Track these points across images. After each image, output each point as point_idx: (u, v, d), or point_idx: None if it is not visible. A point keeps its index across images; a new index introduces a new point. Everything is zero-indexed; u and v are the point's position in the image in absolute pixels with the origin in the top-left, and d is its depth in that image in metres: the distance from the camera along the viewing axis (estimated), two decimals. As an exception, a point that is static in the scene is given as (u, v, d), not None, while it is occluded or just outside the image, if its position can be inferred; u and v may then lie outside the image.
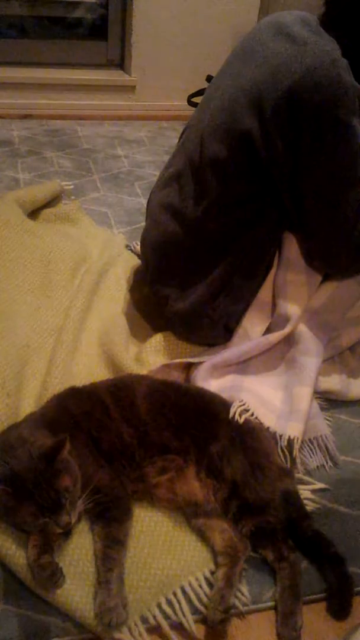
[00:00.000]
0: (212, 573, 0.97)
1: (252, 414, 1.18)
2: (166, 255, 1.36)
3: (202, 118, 1.27)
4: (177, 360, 1.34)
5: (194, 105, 2.72)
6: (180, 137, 1.47)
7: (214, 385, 1.27)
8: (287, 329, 1.28)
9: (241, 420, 1.14)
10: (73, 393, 1.13)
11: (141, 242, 1.48)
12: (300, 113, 1.08)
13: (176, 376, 1.34)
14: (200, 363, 1.31)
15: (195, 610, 0.92)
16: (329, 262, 1.28)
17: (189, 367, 1.34)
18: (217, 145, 1.19)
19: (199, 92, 2.75)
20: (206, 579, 0.96)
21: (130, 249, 1.85)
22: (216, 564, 0.97)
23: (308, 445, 1.22)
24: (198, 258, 1.30)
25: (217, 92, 1.25)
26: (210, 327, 1.34)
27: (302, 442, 1.19)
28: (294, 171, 1.14)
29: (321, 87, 1.05)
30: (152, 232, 1.40)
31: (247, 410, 1.17)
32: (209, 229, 1.26)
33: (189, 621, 0.90)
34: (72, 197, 2.14)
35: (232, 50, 1.29)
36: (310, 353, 1.29)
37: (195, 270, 1.31)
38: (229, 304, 1.31)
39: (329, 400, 1.37)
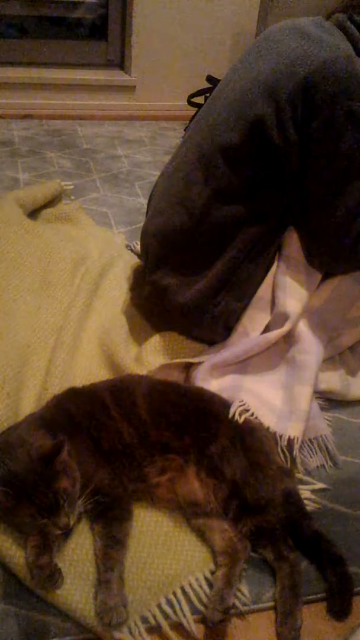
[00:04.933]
0: (212, 573, 0.97)
1: (252, 414, 1.18)
2: (167, 245, 1.35)
3: (212, 111, 1.28)
4: (177, 360, 1.34)
5: (194, 105, 2.72)
6: (185, 133, 1.47)
7: (214, 385, 1.27)
8: (285, 327, 1.28)
9: (241, 420, 1.14)
10: (73, 393, 1.13)
11: (142, 232, 1.48)
12: (314, 102, 1.11)
13: (176, 376, 1.34)
14: (200, 363, 1.31)
15: (195, 610, 0.92)
16: (328, 259, 1.28)
17: (189, 367, 1.34)
18: (229, 133, 1.21)
19: (199, 92, 2.75)
20: (206, 579, 0.96)
21: (130, 249, 1.85)
22: (216, 564, 0.97)
23: (308, 445, 1.22)
24: (200, 249, 1.30)
25: (227, 87, 1.26)
26: (210, 323, 1.34)
27: (302, 442, 1.19)
28: (303, 158, 1.16)
29: (336, 78, 1.09)
30: (155, 221, 1.40)
31: (247, 410, 1.17)
32: (212, 219, 1.26)
33: (189, 621, 0.90)
34: (72, 197, 2.14)
35: (243, 52, 1.30)
36: (310, 352, 1.29)
37: (196, 262, 1.31)
38: (230, 301, 1.31)
39: (329, 400, 1.37)
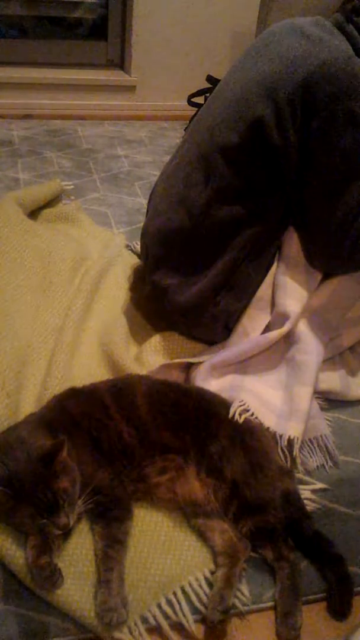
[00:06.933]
0: (212, 573, 0.97)
1: (252, 414, 1.18)
2: (167, 245, 1.35)
3: (212, 111, 1.28)
4: (177, 360, 1.34)
5: (194, 105, 2.71)
6: (185, 133, 1.47)
7: (214, 385, 1.27)
8: (285, 327, 1.28)
9: (241, 420, 1.14)
10: (73, 393, 1.13)
11: (142, 233, 1.48)
12: (314, 103, 1.11)
13: (176, 376, 1.34)
14: (199, 363, 1.31)
15: (195, 610, 0.92)
16: (328, 259, 1.28)
17: (189, 367, 1.34)
18: (228, 133, 1.21)
19: (199, 92, 2.75)
20: (206, 579, 0.96)
21: (130, 249, 1.85)
22: (216, 564, 0.97)
23: (308, 445, 1.22)
24: (200, 249, 1.30)
25: (227, 87, 1.26)
26: (210, 323, 1.34)
27: (302, 442, 1.19)
28: (302, 159, 1.16)
29: (336, 79, 1.09)
30: (155, 221, 1.40)
31: (247, 410, 1.17)
32: (212, 219, 1.26)
33: (189, 621, 0.90)
34: (72, 197, 2.14)
35: (243, 52, 1.30)
36: (311, 352, 1.29)
37: (196, 263, 1.31)
38: (230, 301, 1.32)
39: (329, 400, 1.36)
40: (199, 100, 2.67)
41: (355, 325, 1.38)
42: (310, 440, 1.22)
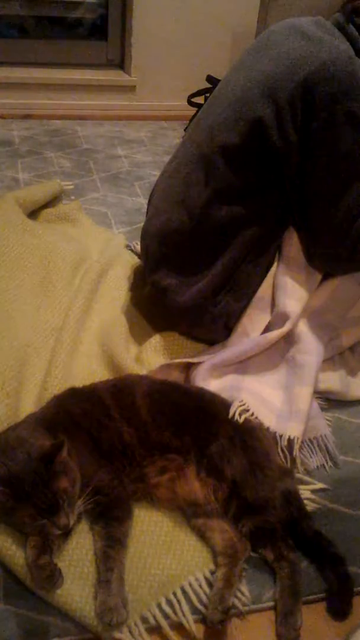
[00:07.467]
0: (212, 573, 0.97)
1: (252, 414, 1.18)
2: (167, 244, 1.35)
3: (212, 111, 1.29)
4: (177, 360, 1.34)
5: (194, 105, 2.71)
6: (185, 133, 1.47)
7: (214, 385, 1.27)
8: (285, 328, 1.28)
9: (241, 420, 1.14)
10: (73, 393, 1.13)
11: (142, 232, 1.48)
12: (314, 103, 1.11)
13: (176, 376, 1.34)
14: (200, 363, 1.31)
15: (195, 610, 0.92)
16: (328, 259, 1.29)
17: (189, 367, 1.34)
18: (228, 133, 1.21)
19: (199, 92, 2.75)
20: (206, 579, 0.96)
21: (130, 249, 1.85)
22: (216, 564, 0.97)
23: (308, 445, 1.22)
24: (200, 249, 1.30)
25: (227, 86, 1.26)
26: (210, 323, 1.34)
27: (302, 442, 1.19)
28: (302, 159, 1.16)
29: (336, 79, 1.09)
30: (155, 221, 1.40)
31: (247, 410, 1.17)
32: (212, 219, 1.26)
33: (189, 621, 0.90)
34: (72, 197, 2.14)
35: (243, 51, 1.30)
36: (311, 352, 1.29)
37: (196, 262, 1.31)
38: (230, 301, 1.32)
39: (329, 400, 1.36)
40: (199, 100, 2.68)
41: (355, 325, 1.38)
42: (310, 440, 1.22)
